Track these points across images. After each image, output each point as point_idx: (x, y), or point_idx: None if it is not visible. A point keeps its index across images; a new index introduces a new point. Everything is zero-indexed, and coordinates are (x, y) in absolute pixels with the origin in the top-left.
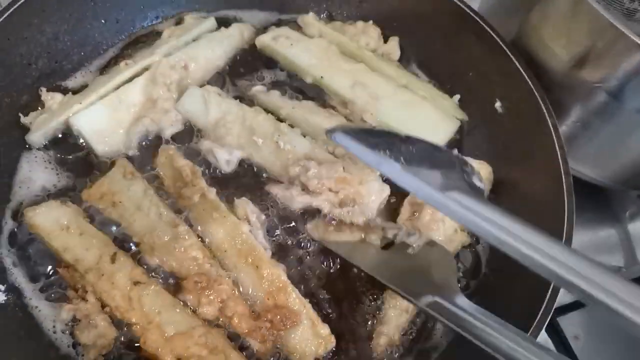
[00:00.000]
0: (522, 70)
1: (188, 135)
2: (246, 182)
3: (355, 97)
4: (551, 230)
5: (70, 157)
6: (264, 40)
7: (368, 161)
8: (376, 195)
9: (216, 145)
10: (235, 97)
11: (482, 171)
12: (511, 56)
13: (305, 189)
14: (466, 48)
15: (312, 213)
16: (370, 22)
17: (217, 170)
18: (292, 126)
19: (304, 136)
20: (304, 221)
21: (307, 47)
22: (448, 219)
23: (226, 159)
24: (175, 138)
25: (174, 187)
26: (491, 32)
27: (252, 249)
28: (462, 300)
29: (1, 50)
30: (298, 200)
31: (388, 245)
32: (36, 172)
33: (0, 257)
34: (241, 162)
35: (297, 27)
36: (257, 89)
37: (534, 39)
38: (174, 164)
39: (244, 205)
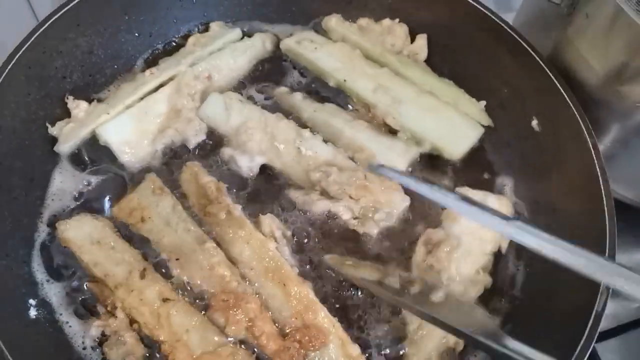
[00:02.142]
0: (560, 88)
1: (212, 145)
2: (269, 194)
3: (378, 100)
4: None
5: (99, 168)
6: (288, 44)
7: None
8: (396, 204)
9: (237, 151)
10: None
11: (502, 208)
12: (549, 72)
13: (325, 194)
14: (501, 63)
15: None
16: (397, 20)
17: (242, 185)
18: (313, 132)
19: (326, 142)
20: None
21: (330, 51)
22: (468, 258)
23: (248, 165)
24: (200, 148)
25: (199, 205)
26: (527, 47)
27: (279, 266)
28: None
29: (37, 64)
30: (318, 205)
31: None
32: (68, 185)
33: (32, 271)
34: (263, 170)
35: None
36: (281, 90)
37: (571, 55)
38: (199, 181)
39: (269, 221)
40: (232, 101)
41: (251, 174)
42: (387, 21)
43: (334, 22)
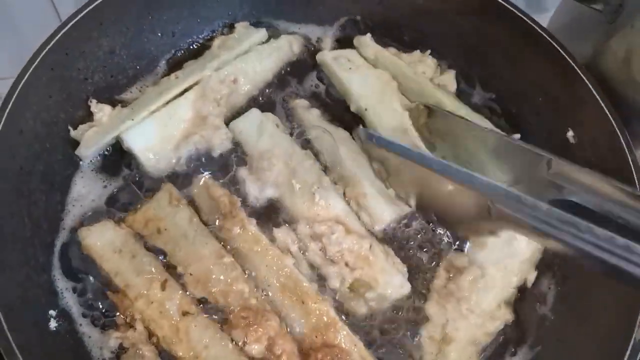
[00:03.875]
0: (598, 98)
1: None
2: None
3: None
4: None
5: (122, 174)
6: (325, 58)
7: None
8: (394, 289)
9: (252, 177)
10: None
11: (529, 246)
12: (586, 81)
13: (323, 250)
14: (535, 70)
15: None
16: (428, 52)
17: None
18: (336, 183)
19: (344, 197)
20: None
21: (366, 76)
22: (491, 290)
23: (255, 195)
24: (222, 158)
25: (211, 219)
26: (564, 54)
27: (297, 283)
28: None
29: (60, 65)
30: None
31: None
32: (89, 190)
33: (52, 280)
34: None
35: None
36: (299, 103)
37: (612, 65)
38: (212, 194)
39: (285, 235)
40: (268, 123)
41: (257, 204)
42: (417, 53)
43: (368, 38)
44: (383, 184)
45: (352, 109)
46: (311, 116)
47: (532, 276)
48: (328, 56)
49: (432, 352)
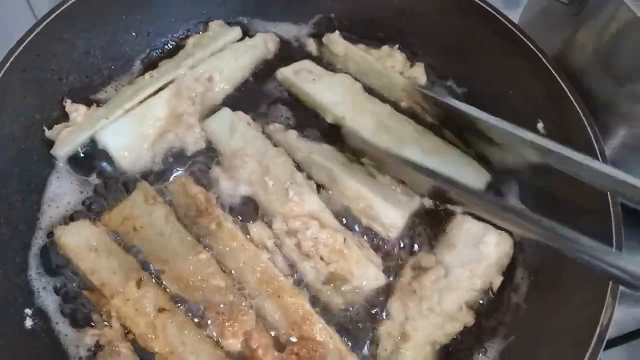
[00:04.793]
0: (567, 91)
1: (205, 157)
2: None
3: (379, 141)
4: None
5: (97, 173)
6: (285, 74)
7: None
8: (368, 281)
9: (225, 175)
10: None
11: (501, 243)
12: (555, 75)
13: (297, 246)
14: (505, 64)
15: None
16: (396, 46)
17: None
18: (310, 178)
19: (318, 191)
20: None
21: (330, 84)
22: (454, 291)
23: (229, 193)
24: (197, 157)
25: (187, 217)
26: (533, 48)
27: (273, 278)
28: None
29: (33, 67)
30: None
31: None
32: (65, 190)
33: (28, 280)
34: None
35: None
36: (274, 128)
37: (580, 57)
38: (188, 192)
39: (259, 230)
40: (240, 123)
41: (231, 202)
42: (385, 48)
43: (336, 35)
44: (384, 184)
45: (329, 120)
46: (289, 138)
47: (497, 280)
48: (288, 71)
49: (386, 348)
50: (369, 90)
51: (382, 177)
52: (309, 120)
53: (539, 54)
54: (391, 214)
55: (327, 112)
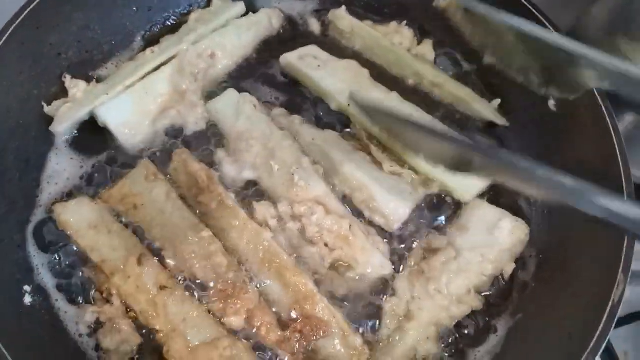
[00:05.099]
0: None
1: (208, 138)
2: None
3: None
4: (611, 245)
5: (97, 149)
6: (289, 59)
7: None
8: (374, 269)
9: (229, 159)
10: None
11: (516, 230)
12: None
13: (302, 232)
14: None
15: None
16: (404, 22)
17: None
18: (316, 163)
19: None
20: None
21: (335, 70)
22: (463, 274)
23: (233, 177)
24: (198, 137)
25: (189, 194)
26: (546, 23)
27: (276, 256)
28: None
29: (30, 40)
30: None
31: None
32: (64, 167)
33: (27, 256)
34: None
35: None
36: (277, 112)
37: (594, 32)
38: (188, 169)
39: (264, 209)
40: (246, 105)
41: (234, 186)
42: (393, 24)
43: (342, 11)
44: (388, 175)
45: (333, 107)
46: (292, 123)
47: (509, 268)
48: (292, 57)
49: (390, 327)
50: (376, 77)
51: (387, 166)
52: (315, 104)
53: (551, 29)
54: (394, 207)
55: (332, 99)
